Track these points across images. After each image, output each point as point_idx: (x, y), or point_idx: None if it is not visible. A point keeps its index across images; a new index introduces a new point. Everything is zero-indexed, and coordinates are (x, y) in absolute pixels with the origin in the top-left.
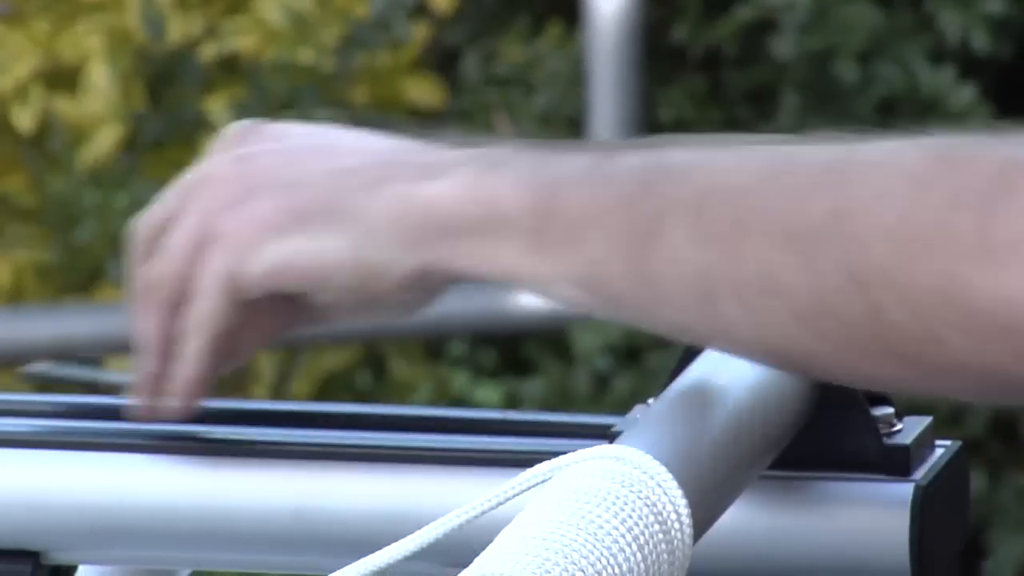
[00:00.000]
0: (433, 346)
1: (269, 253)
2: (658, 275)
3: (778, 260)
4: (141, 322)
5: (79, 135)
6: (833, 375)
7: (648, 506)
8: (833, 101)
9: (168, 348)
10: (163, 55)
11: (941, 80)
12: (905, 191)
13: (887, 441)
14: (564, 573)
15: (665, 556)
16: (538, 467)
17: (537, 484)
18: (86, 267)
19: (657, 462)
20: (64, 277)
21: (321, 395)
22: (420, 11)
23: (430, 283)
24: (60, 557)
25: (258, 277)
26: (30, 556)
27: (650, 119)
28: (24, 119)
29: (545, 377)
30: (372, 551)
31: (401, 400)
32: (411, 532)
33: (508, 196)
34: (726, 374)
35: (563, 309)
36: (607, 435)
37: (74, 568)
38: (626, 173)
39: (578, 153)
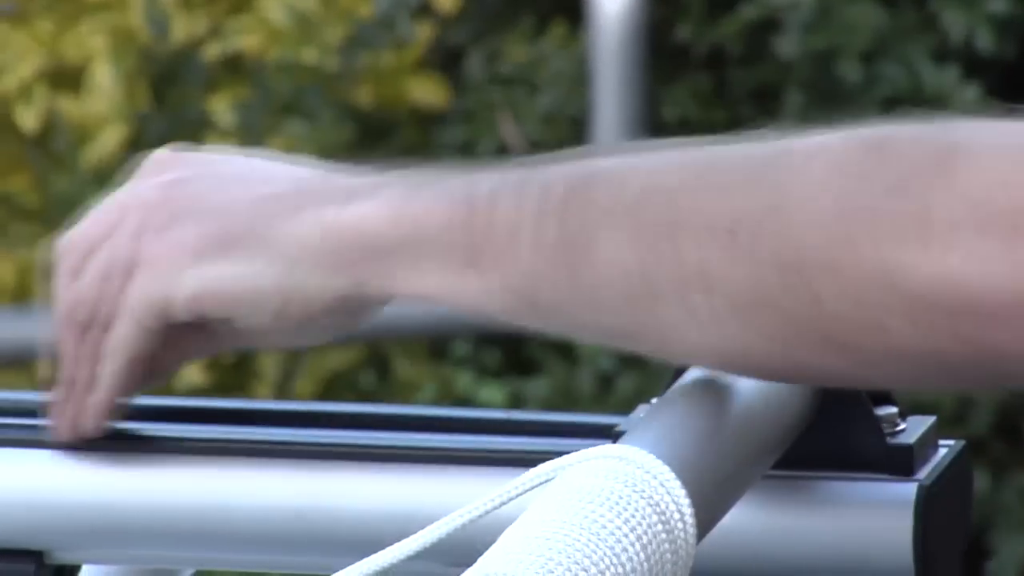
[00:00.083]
0: (437, 346)
1: (192, 279)
2: (594, 281)
3: (715, 256)
4: (61, 342)
5: (83, 135)
6: (774, 371)
7: (652, 506)
8: (837, 100)
9: (86, 368)
10: (167, 55)
11: (945, 80)
12: (841, 180)
13: (890, 441)
14: (567, 573)
15: (669, 556)
16: (542, 467)
17: (541, 484)
18: None
19: (660, 462)
20: None
21: (325, 395)
22: (424, 11)
23: (358, 305)
24: (63, 557)
25: (181, 302)
26: (34, 556)
27: (654, 118)
28: (28, 119)
29: (549, 377)
30: (375, 551)
31: (405, 400)
32: (414, 532)
33: (435, 213)
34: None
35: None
36: (610, 435)
37: (77, 568)
38: (555, 183)
39: (505, 169)
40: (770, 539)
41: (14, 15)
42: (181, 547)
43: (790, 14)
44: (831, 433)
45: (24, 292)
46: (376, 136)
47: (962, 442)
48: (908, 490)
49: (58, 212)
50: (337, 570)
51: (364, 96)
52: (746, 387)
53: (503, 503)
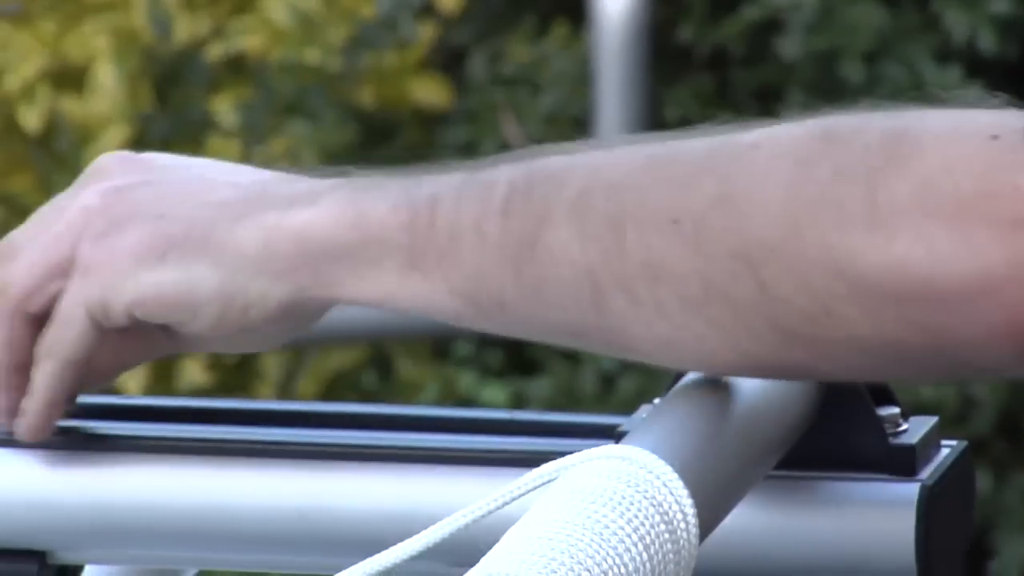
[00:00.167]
0: (440, 346)
1: (133, 283)
2: (539, 279)
3: (663, 248)
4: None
5: (86, 135)
6: (726, 363)
7: (654, 506)
8: (839, 101)
9: (18, 364)
10: (170, 55)
11: (947, 80)
12: (789, 168)
13: (893, 441)
14: (570, 573)
15: (671, 556)
16: (544, 467)
17: (543, 484)
18: None
19: (663, 462)
20: None
21: (327, 395)
22: (427, 11)
23: (304, 311)
24: (66, 557)
25: (120, 307)
26: (37, 556)
27: (656, 119)
28: (31, 119)
29: (551, 377)
30: (378, 551)
31: (407, 400)
32: (417, 532)
33: (381, 217)
34: None
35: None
36: (613, 435)
37: (80, 568)
38: (497, 183)
39: (448, 171)
40: (772, 539)
41: (17, 15)
42: (184, 547)
43: (792, 15)
44: (833, 433)
45: None
46: (379, 136)
47: (964, 442)
48: (910, 490)
49: None
50: (340, 570)
51: (367, 96)
52: (748, 388)
53: (506, 503)
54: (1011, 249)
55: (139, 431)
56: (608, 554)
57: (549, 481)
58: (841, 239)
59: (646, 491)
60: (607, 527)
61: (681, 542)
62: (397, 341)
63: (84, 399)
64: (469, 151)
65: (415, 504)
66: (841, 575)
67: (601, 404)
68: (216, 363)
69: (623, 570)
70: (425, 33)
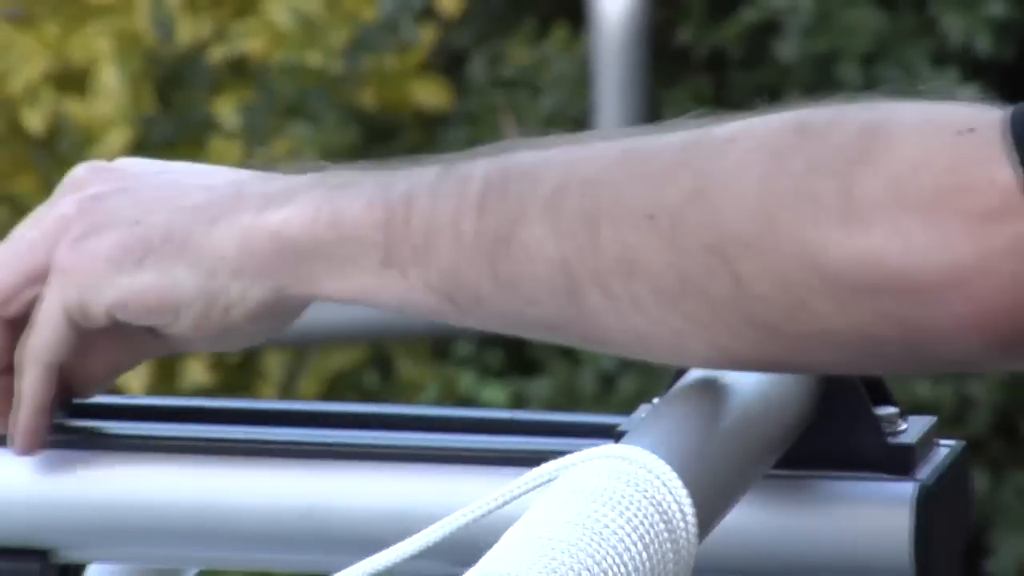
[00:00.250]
0: (440, 346)
1: (111, 287)
2: (514, 274)
3: (638, 243)
4: None
5: (89, 136)
6: (702, 357)
7: (653, 505)
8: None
9: (7, 368)
10: (172, 57)
11: (944, 82)
12: (764, 161)
13: (891, 441)
14: (570, 572)
15: (670, 555)
16: (544, 466)
17: (543, 483)
18: None
19: (662, 461)
20: None
21: (329, 395)
22: (427, 14)
23: (282, 310)
24: (69, 556)
25: (101, 308)
26: (39, 555)
27: (655, 120)
28: (34, 121)
29: (551, 377)
30: (379, 550)
31: (408, 400)
32: (418, 531)
33: (356, 215)
34: (731, 374)
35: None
36: (613, 434)
37: (82, 567)
38: (472, 180)
39: (423, 167)
40: (771, 538)
41: (20, 18)
42: (186, 546)
43: (790, 17)
44: (832, 433)
45: None
46: (380, 138)
47: (962, 442)
48: (908, 489)
49: None
50: (341, 569)
51: (368, 98)
52: (747, 387)
53: (506, 502)
54: (981, 242)
55: (142, 430)
56: (608, 553)
57: (549, 480)
58: (815, 232)
59: (645, 490)
60: (607, 526)
61: (680, 541)
62: (398, 341)
63: (87, 399)
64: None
65: (416, 503)
66: (839, 573)
67: (601, 404)
68: (218, 363)
69: (622, 569)
70: (426, 35)
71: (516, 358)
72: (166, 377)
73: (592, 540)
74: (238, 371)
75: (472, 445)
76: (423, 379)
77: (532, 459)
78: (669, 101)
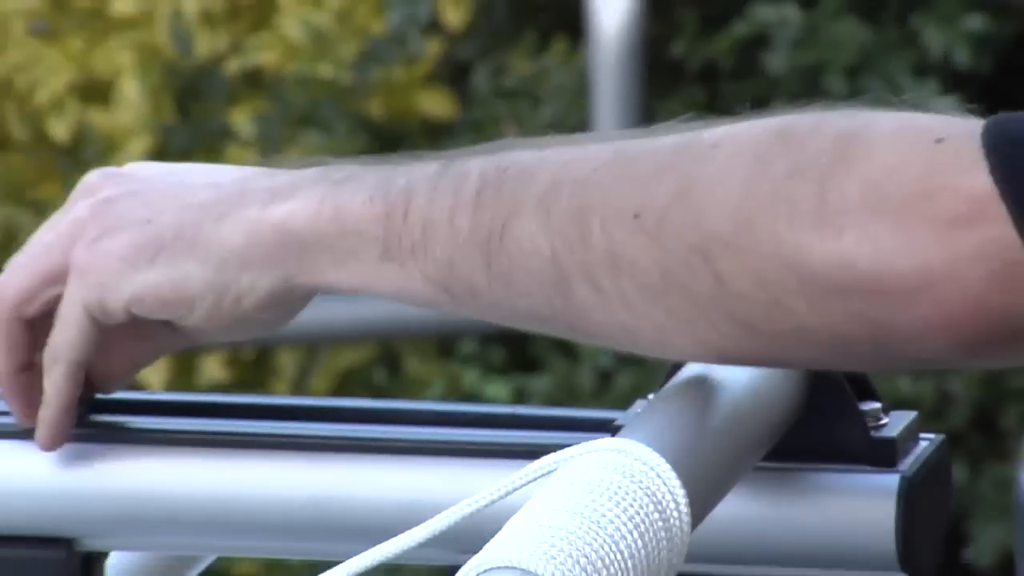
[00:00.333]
0: (445, 344)
1: (127, 284)
2: (511, 268)
3: (625, 241)
4: (1, 337)
5: (111, 145)
6: (685, 350)
7: (648, 496)
8: None
9: (20, 366)
10: (190, 70)
11: (925, 93)
12: (746, 166)
13: (875, 434)
14: (569, 559)
15: (664, 543)
16: (544, 459)
17: (544, 475)
18: None
19: (657, 454)
20: None
21: (339, 391)
22: (433, 27)
23: (290, 299)
24: (92, 544)
25: (119, 305)
26: (64, 543)
27: None
28: (60, 130)
29: (551, 374)
30: (387, 538)
31: (415, 396)
32: (424, 520)
33: (357, 210)
34: (722, 371)
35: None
36: (610, 429)
37: (104, 554)
38: (469, 176)
39: (423, 163)
40: (761, 527)
41: (47, 33)
42: (204, 534)
43: (779, 31)
44: (819, 427)
45: None
46: (388, 146)
47: (942, 436)
48: (891, 481)
49: None
50: (352, 556)
51: (376, 108)
52: (738, 384)
53: (508, 493)
54: (947, 248)
55: (162, 425)
56: (605, 541)
57: (549, 472)
58: (792, 235)
59: (641, 482)
60: (604, 515)
61: (674, 530)
62: (405, 340)
63: (109, 395)
64: None
65: (422, 494)
66: (826, 561)
67: (598, 399)
68: (234, 360)
69: (619, 556)
70: (432, 48)
71: (518, 356)
72: (184, 374)
73: (590, 529)
74: (253, 368)
75: (476, 439)
76: (429, 376)
77: (533, 452)
78: (663, 111)
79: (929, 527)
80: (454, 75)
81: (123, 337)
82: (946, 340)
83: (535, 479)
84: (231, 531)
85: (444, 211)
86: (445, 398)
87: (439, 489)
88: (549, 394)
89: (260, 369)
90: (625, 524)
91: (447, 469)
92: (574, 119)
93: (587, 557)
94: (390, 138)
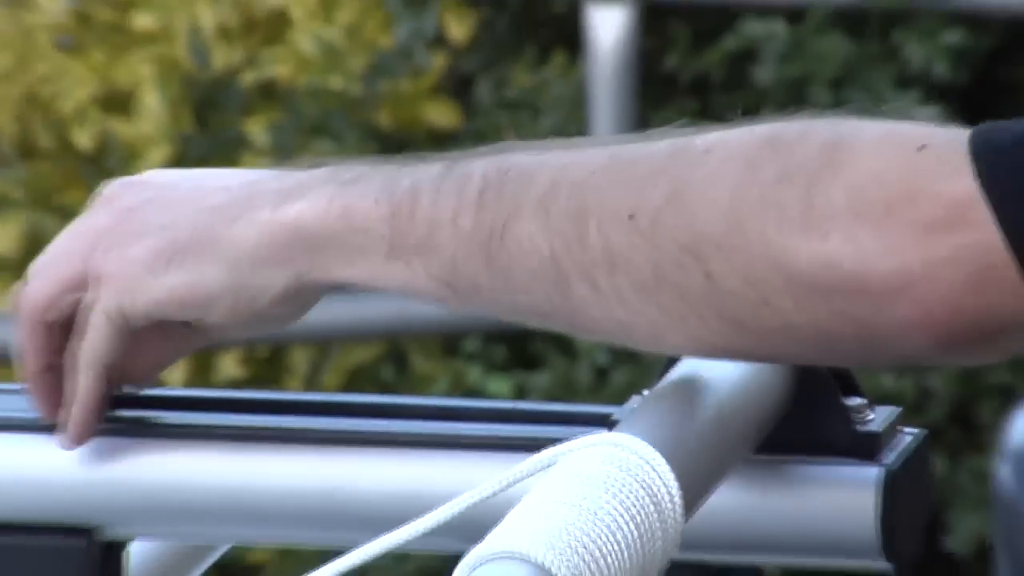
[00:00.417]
0: (450, 342)
1: (147, 288)
2: (511, 266)
3: (620, 240)
4: (26, 340)
5: (132, 153)
6: (677, 345)
7: (643, 487)
8: None
9: (46, 367)
10: (208, 82)
11: (906, 104)
12: (736, 171)
13: (859, 429)
14: (568, 548)
15: (659, 532)
16: (544, 452)
17: (543, 468)
18: None
19: (651, 448)
20: None
21: (349, 387)
22: (438, 42)
23: (304, 295)
24: (113, 533)
25: (140, 309)
26: (85, 532)
27: None
28: (84, 138)
29: (550, 370)
30: (395, 528)
31: (421, 391)
32: (430, 511)
33: (365, 210)
34: (714, 369)
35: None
36: (606, 423)
37: (125, 543)
38: (472, 178)
39: (427, 165)
40: (750, 516)
41: (71, 47)
42: (220, 524)
43: (767, 45)
44: (805, 422)
45: None
46: (395, 155)
47: (923, 430)
48: (874, 473)
49: None
50: (361, 545)
51: (385, 118)
52: (728, 380)
53: (509, 485)
54: (926, 250)
55: (180, 419)
56: (602, 531)
57: (548, 465)
58: (779, 237)
59: (636, 474)
60: (601, 507)
61: (667, 520)
62: (412, 338)
63: (130, 392)
64: None
65: (428, 486)
66: (811, 549)
67: (595, 395)
68: (249, 358)
69: (615, 545)
70: (437, 61)
71: (519, 353)
72: (202, 371)
73: (587, 519)
74: (267, 365)
75: (479, 433)
76: (435, 373)
77: (533, 446)
78: (657, 121)
79: (911, 517)
80: (458, 87)
81: (147, 339)
82: (925, 338)
83: (535, 472)
84: (246, 520)
85: (448, 211)
86: (450, 394)
87: (444, 481)
88: (549, 390)
89: (274, 366)
90: (621, 515)
91: (451, 462)
92: (572, 129)
93: (585, 546)
94: (397, 147)
